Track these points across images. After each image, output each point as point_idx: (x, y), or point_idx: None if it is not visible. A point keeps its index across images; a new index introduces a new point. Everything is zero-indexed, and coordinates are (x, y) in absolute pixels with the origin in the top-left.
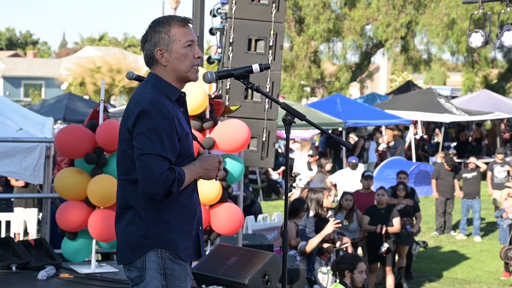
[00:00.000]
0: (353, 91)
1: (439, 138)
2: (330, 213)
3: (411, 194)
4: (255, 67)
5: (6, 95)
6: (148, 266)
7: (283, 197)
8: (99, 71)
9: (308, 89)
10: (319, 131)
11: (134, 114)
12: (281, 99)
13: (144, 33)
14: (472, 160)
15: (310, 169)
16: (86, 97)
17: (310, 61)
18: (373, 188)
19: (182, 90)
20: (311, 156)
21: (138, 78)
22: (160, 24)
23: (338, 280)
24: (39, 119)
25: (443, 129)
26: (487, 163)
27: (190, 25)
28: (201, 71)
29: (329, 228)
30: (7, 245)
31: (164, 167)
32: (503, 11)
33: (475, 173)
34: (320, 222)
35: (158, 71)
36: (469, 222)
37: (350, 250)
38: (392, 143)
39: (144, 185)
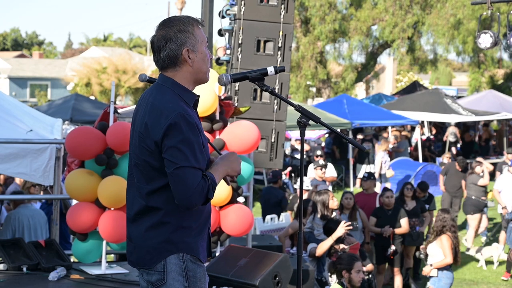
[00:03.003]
0: (359, 91)
1: (445, 136)
2: (334, 214)
3: (428, 200)
4: (270, 69)
5: (12, 95)
6: (169, 269)
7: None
8: (105, 72)
9: (314, 90)
10: (325, 132)
11: (162, 126)
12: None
13: (163, 33)
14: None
15: None
16: (92, 97)
17: (316, 62)
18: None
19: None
20: (320, 156)
21: (151, 80)
22: (183, 24)
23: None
24: (48, 120)
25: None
26: (494, 164)
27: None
28: (212, 73)
29: (340, 231)
30: (17, 246)
31: (198, 178)
32: (511, 12)
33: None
34: (329, 223)
35: (176, 73)
36: None
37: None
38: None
39: (181, 199)
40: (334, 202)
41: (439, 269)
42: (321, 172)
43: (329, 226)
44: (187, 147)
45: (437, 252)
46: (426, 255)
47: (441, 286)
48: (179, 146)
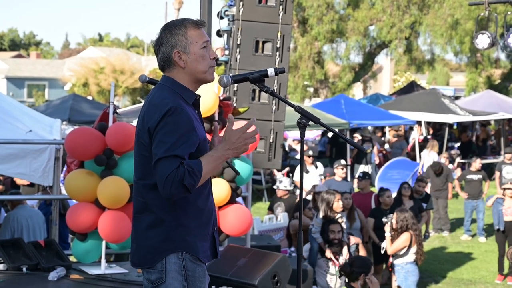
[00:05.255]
0: (357, 91)
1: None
2: (338, 215)
3: (426, 199)
4: (271, 71)
5: (10, 96)
6: (168, 268)
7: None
8: (102, 72)
9: (311, 90)
10: (322, 132)
11: (155, 120)
12: None
13: (158, 37)
14: (478, 162)
15: (307, 171)
16: (90, 97)
17: (313, 62)
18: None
19: (197, 92)
20: (311, 157)
21: (151, 81)
22: (175, 27)
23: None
24: (47, 120)
25: (446, 129)
26: (491, 164)
27: (203, 28)
28: (215, 75)
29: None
30: (17, 246)
31: (173, 166)
32: (509, 12)
33: (480, 176)
34: (327, 223)
35: (174, 74)
36: (473, 222)
37: (362, 250)
38: (398, 144)
39: (160, 189)
40: (339, 204)
41: (405, 266)
42: (342, 172)
43: (325, 227)
44: (171, 137)
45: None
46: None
47: (408, 285)
48: (164, 138)
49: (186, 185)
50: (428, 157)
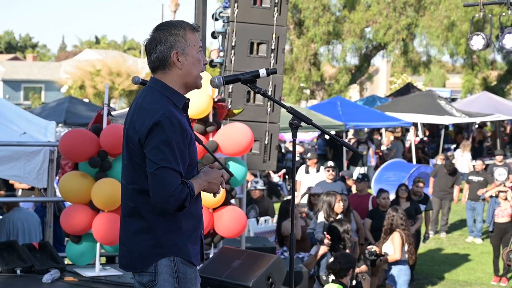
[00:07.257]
0: (353, 93)
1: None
2: (340, 216)
3: (424, 201)
4: (262, 72)
5: (6, 98)
6: (160, 271)
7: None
8: (99, 74)
9: (307, 92)
10: (318, 134)
11: (146, 126)
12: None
13: (154, 35)
14: (480, 164)
15: (307, 172)
16: (86, 100)
17: (309, 64)
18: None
19: (186, 95)
20: (309, 159)
21: (144, 83)
22: (174, 27)
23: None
24: (42, 123)
25: (443, 131)
26: (487, 165)
27: (198, 34)
28: (206, 76)
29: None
30: (11, 248)
31: (177, 181)
32: (503, 14)
33: (481, 178)
34: (331, 227)
35: (167, 76)
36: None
37: (356, 250)
38: (390, 146)
39: (157, 199)
40: (340, 206)
41: (396, 265)
42: (329, 174)
43: (331, 229)
44: (168, 148)
45: (391, 249)
46: (377, 255)
47: (400, 283)
48: (160, 147)
49: (185, 206)
50: (462, 158)
